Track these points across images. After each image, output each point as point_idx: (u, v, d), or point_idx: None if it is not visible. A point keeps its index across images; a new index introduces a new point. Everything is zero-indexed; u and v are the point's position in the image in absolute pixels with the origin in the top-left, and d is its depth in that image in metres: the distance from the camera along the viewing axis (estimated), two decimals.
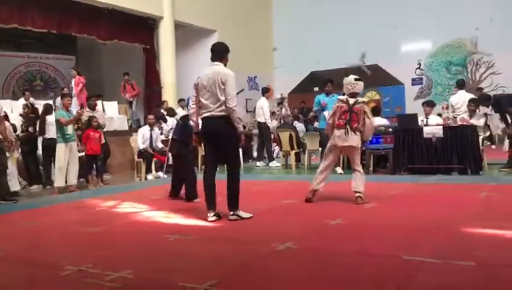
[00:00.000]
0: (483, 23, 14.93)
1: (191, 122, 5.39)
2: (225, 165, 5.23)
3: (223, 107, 4.86)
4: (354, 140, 5.65)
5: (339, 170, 9.10)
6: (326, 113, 9.10)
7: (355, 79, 5.83)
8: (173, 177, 6.84)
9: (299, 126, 12.54)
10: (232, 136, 4.97)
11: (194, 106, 5.16)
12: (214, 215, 5.01)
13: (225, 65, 5.07)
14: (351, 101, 5.72)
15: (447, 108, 10.12)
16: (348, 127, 5.62)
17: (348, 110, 5.66)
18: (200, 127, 5.14)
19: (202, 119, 5.05)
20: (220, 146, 5.01)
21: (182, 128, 6.64)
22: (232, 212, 5.00)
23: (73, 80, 11.97)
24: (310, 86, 17.39)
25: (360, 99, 5.80)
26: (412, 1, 16.04)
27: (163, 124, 11.18)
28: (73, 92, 11.49)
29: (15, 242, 4.58)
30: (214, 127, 4.94)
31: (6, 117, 8.08)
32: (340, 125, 5.67)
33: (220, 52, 5.10)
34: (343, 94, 5.88)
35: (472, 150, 7.90)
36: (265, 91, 12.00)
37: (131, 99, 13.52)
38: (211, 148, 5.14)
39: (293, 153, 10.35)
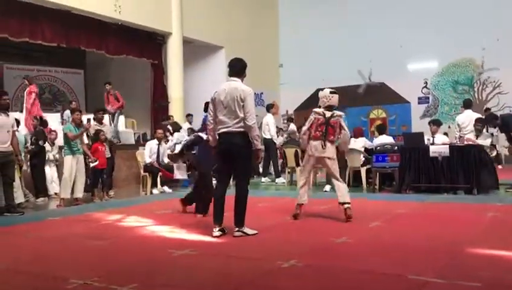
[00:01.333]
0: (490, 43, 14.99)
1: (209, 137, 5.36)
2: (234, 181, 5.22)
3: (241, 124, 4.89)
4: (331, 151, 5.80)
5: (327, 188, 9.14)
6: None
7: (331, 92, 5.95)
8: (197, 193, 6.65)
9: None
10: (247, 153, 4.98)
11: (212, 121, 5.15)
12: (218, 230, 5.00)
13: (242, 81, 5.12)
14: (328, 114, 5.83)
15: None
16: (324, 139, 5.76)
17: (325, 123, 5.79)
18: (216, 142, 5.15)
19: (219, 134, 5.04)
20: (234, 161, 4.99)
21: (199, 143, 6.66)
22: (237, 229, 4.99)
23: (26, 90, 11.19)
24: (316, 103, 17.32)
25: (336, 112, 5.89)
26: (419, 20, 16.12)
27: (169, 137, 11.22)
28: (24, 104, 10.82)
29: (20, 254, 4.59)
30: (230, 142, 4.95)
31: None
32: (316, 137, 5.81)
33: (237, 68, 5.16)
34: (319, 107, 5.99)
35: (480, 169, 7.88)
36: (270, 107, 12.05)
37: (113, 111, 12.34)
38: (225, 163, 5.11)
39: (298, 169, 10.34)
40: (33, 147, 9.13)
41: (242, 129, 4.90)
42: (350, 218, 5.56)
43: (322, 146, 5.74)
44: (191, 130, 11.89)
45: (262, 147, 5.11)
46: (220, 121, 5.00)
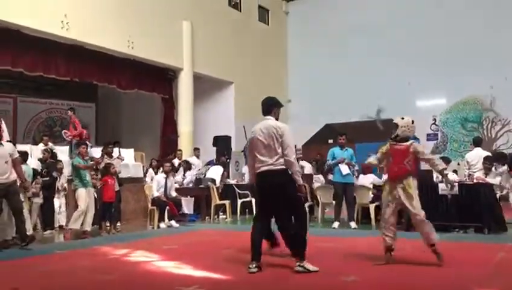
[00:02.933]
0: (498, 81, 15.07)
1: (249, 176, 5.42)
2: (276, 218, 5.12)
3: (281, 160, 4.95)
4: None
5: (353, 224, 9.02)
6: (342, 167, 9.15)
7: (412, 121, 5.54)
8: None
9: (318, 178, 12.56)
10: (293, 189, 5.00)
11: (251, 160, 5.26)
12: (255, 266, 4.92)
13: (276, 118, 5.23)
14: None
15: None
16: None
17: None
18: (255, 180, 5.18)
19: (260, 173, 5.06)
20: (279, 200, 4.98)
21: None
22: (298, 263, 4.85)
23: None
24: (324, 138, 17.50)
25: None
26: (427, 58, 16.30)
27: (177, 177, 11.22)
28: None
29: (27, 288, 4.58)
30: (272, 180, 4.97)
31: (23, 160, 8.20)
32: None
33: (269, 107, 5.27)
34: (397, 136, 5.50)
35: (489, 209, 7.81)
36: None
37: (69, 139, 11.21)
38: (267, 201, 5.12)
39: (306, 205, 10.28)
40: (47, 179, 9.19)
41: (283, 167, 4.96)
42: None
43: None
44: (185, 162, 11.94)
45: (301, 181, 5.06)
46: (260, 160, 5.05)
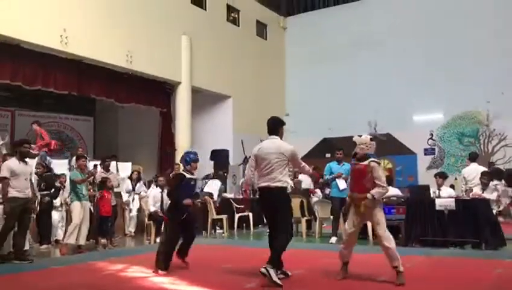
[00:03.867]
0: (495, 96, 15.16)
1: (247, 190, 5.83)
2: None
3: (281, 178, 5.30)
4: None
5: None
6: (339, 182, 9.14)
7: (371, 139, 5.53)
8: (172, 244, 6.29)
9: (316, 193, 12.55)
10: (285, 206, 5.44)
11: (251, 175, 5.58)
12: (281, 273, 5.27)
13: (281, 137, 5.58)
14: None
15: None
16: None
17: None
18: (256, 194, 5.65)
19: (260, 188, 5.44)
20: (275, 214, 5.39)
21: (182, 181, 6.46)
22: (266, 266, 5.02)
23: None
24: (322, 152, 17.53)
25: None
26: (424, 73, 16.41)
27: None
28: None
29: None
30: (270, 197, 5.35)
31: None
32: None
33: (274, 126, 5.61)
34: (355, 154, 5.54)
35: (486, 224, 7.80)
36: None
37: (36, 152, 10.59)
38: (269, 215, 5.57)
39: (304, 220, 10.27)
40: (51, 192, 9.12)
41: (280, 184, 5.29)
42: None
43: None
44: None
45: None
46: (261, 175, 5.41)
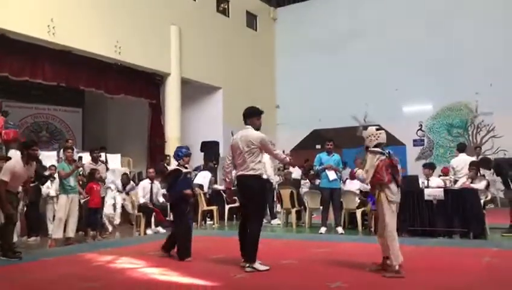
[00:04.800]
0: (483, 87, 15.25)
1: (226, 179, 5.88)
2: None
3: (253, 166, 5.38)
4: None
5: (339, 229, 9.03)
6: (329, 173, 9.17)
7: (377, 129, 5.38)
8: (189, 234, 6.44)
9: (306, 183, 12.61)
10: (259, 195, 5.51)
11: (229, 164, 5.66)
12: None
13: (257, 128, 5.55)
14: (387, 153, 5.20)
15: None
16: (395, 182, 5.10)
17: (389, 164, 5.13)
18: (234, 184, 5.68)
19: (237, 177, 5.53)
20: (249, 202, 5.48)
21: (175, 182, 6.62)
22: (248, 265, 5.25)
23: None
24: (312, 144, 17.58)
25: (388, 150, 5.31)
26: (414, 64, 16.45)
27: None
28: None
29: None
30: (245, 185, 5.44)
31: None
32: (390, 180, 5.08)
33: (248, 115, 5.62)
34: (367, 148, 5.35)
35: (474, 214, 7.87)
36: None
37: None
38: (244, 204, 5.64)
39: (293, 211, 10.30)
40: (34, 184, 8.94)
41: (253, 172, 5.37)
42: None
43: (398, 189, 5.10)
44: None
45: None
46: (237, 164, 5.50)
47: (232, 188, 6.28)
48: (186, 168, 6.63)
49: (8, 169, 6.66)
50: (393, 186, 5.09)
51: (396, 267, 4.95)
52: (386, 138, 5.31)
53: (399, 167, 5.22)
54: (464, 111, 16.21)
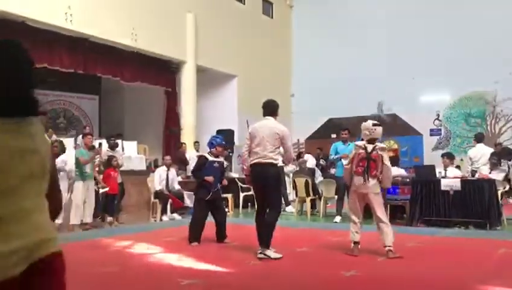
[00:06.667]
0: (503, 76, 14.98)
1: (243, 166, 6.01)
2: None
3: (272, 155, 5.45)
4: (374, 187, 5.49)
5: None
6: (344, 162, 9.15)
7: (374, 124, 5.65)
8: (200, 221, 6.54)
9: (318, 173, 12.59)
10: (276, 181, 5.55)
11: (246, 152, 5.70)
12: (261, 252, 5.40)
13: (275, 119, 5.68)
14: (369, 147, 5.54)
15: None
16: (366, 174, 5.47)
17: (366, 157, 5.50)
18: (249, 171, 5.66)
19: (252, 164, 5.55)
20: (266, 190, 5.49)
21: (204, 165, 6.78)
22: (260, 251, 5.32)
23: None
24: (327, 133, 17.50)
25: (378, 145, 5.61)
26: (431, 53, 16.22)
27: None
28: None
29: None
30: (262, 172, 5.46)
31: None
32: (358, 172, 5.53)
33: (273, 108, 5.72)
34: (362, 140, 5.71)
35: (491, 204, 7.80)
36: None
37: None
38: (259, 191, 5.63)
39: (308, 199, 10.31)
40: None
41: (271, 161, 5.45)
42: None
43: (364, 181, 5.46)
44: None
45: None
46: (254, 152, 5.53)
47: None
48: (217, 157, 6.77)
49: None
50: (357, 178, 5.54)
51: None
52: (381, 133, 5.74)
53: (387, 163, 5.54)
54: (482, 100, 15.98)
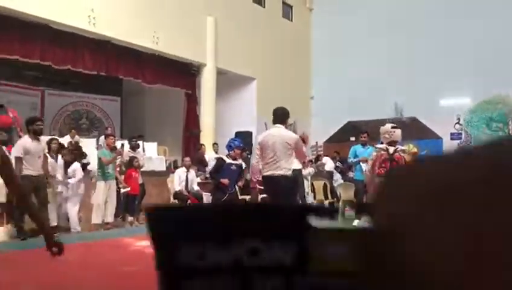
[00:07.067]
0: None
1: (253, 179, 5.99)
2: None
3: (285, 166, 5.33)
4: None
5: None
6: (363, 165, 9.14)
7: (392, 127, 5.70)
8: None
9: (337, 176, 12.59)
10: (291, 193, 5.53)
11: (257, 162, 5.62)
12: None
13: (286, 127, 5.59)
14: (391, 149, 5.54)
15: None
16: None
17: (389, 159, 5.47)
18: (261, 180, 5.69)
19: (265, 177, 5.46)
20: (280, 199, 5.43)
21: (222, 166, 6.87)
22: None
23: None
24: (346, 136, 17.45)
25: (399, 147, 5.64)
26: (451, 56, 16.07)
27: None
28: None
29: (48, 279, 4.72)
30: (275, 184, 5.37)
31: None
32: (380, 174, 5.47)
33: (283, 116, 5.57)
34: (381, 143, 5.75)
35: None
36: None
37: None
38: (274, 200, 5.57)
39: (326, 202, 10.31)
40: None
41: (283, 172, 5.32)
42: None
43: None
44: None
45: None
46: (266, 163, 5.41)
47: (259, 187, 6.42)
48: (235, 159, 6.79)
49: (19, 144, 6.98)
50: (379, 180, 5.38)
51: None
52: (400, 135, 5.70)
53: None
54: (504, 104, 15.74)
